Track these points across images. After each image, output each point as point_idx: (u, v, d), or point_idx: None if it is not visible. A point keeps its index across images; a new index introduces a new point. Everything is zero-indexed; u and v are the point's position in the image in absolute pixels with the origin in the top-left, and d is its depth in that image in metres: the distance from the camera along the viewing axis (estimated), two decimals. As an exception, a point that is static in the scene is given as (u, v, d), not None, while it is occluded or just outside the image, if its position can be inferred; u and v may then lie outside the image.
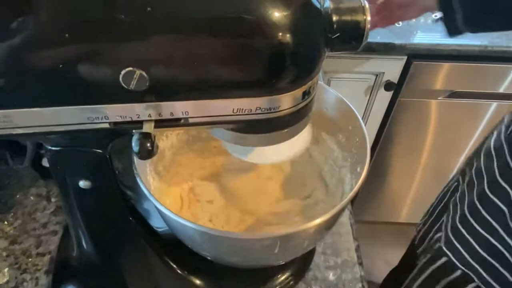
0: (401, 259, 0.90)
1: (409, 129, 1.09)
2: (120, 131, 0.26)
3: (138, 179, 0.31)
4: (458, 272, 0.51)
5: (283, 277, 0.44)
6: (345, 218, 0.52)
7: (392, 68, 0.93)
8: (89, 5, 0.20)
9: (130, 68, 0.22)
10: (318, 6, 0.25)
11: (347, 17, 0.25)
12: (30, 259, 0.46)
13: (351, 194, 0.31)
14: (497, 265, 0.46)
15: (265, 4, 0.23)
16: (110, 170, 0.31)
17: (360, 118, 0.37)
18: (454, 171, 1.21)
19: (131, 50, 0.22)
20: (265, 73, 0.24)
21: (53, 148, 0.28)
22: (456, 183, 0.61)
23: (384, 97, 1.00)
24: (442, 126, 1.07)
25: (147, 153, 0.24)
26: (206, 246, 0.31)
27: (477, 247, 0.48)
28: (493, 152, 0.49)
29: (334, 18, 0.25)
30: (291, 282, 0.44)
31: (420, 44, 0.88)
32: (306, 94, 0.27)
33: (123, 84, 0.22)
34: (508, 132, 0.47)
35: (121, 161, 0.38)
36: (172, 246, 0.40)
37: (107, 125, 0.25)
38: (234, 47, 0.23)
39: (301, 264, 0.46)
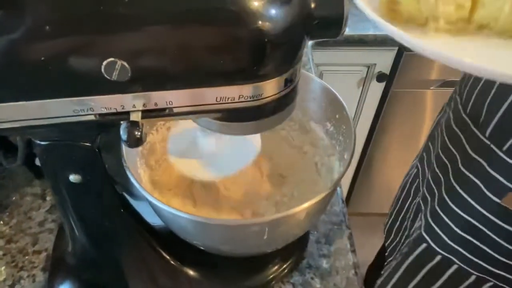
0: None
1: (403, 119, 1.10)
2: (107, 123, 0.26)
3: (127, 171, 0.31)
4: (438, 257, 0.51)
5: (277, 266, 0.45)
6: (338, 207, 0.53)
7: (383, 59, 0.94)
8: (68, -2, 0.21)
9: (112, 59, 0.22)
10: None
11: (326, 4, 0.26)
12: (26, 257, 0.47)
13: (337, 179, 0.31)
14: (474, 241, 0.47)
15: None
16: (100, 164, 0.31)
17: (345, 105, 0.38)
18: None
19: (111, 41, 0.22)
20: (246, 61, 0.25)
21: (42, 143, 0.29)
22: (416, 170, 0.62)
23: (377, 89, 1.01)
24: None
25: (135, 141, 0.24)
26: (196, 234, 0.32)
27: (454, 227, 0.48)
28: (457, 131, 0.49)
29: (313, 5, 0.26)
30: (285, 271, 0.45)
31: (410, 34, 0.88)
32: (288, 81, 0.27)
33: (105, 75, 0.23)
34: (468, 108, 0.47)
35: (112, 158, 0.38)
36: (166, 239, 0.40)
37: (93, 117, 0.25)
38: (213, 36, 0.23)
39: (295, 254, 0.47)
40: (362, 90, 1.02)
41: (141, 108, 0.25)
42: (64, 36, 0.21)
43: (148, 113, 0.25)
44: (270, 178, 0.47)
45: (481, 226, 0.46)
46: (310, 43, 0.86)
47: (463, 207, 0.47)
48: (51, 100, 0.24)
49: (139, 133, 0.24)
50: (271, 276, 0.44)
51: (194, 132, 0.38)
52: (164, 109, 0.26)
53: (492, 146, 0.42)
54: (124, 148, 0.34)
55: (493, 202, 0.43)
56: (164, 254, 0.40)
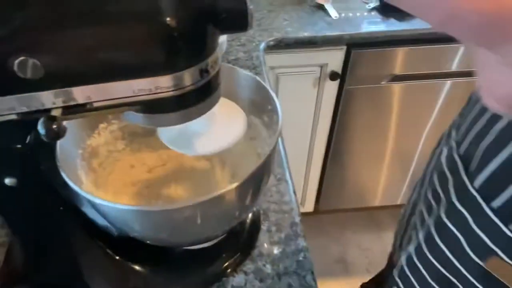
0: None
1: (361, 114, 1.15)
2: (30, 122, 0.28)
3: (60, 170, 0.32)
4: None
5: (229, 257, 0.46)
6: (288, 197, 0.55)
7: (334, 58, 0.99)
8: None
9: (23, 58, 0.24)
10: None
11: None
12: (-23, 273, 0.46)
13: (265, 158, 0.34)
14: None
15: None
16: (34, 165, 0.32)
17: (273, 95, 0.41)
18: (417, 153, 1.26)
19: (20, 39, 0.24)
20: (155, 55, 0.27)
21: (-29, 148, 0.30)
22: (416, 195, 0.57)
23: (331, 87, 1.05)
24: (392, 109, 1.13)
25: (53, 135, 0.26)
26: (131, 225, 0.33)
27: (429, 279, 0.44)
28: (446, 171, 0.44)
29: (217, 0, 0.28)
30: (238, 261, 0.47)
31: (356, 33, 0.94)
32: (204, 72, 0.29)
33: (19, 74, 0.24)
34: (461, 149, 0.42)
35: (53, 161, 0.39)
36: (116, 239, 0.41)
37: (15, 117, 0.27)
38: (122, 33, 0.25)
39: (247, 243, 0.48)
40: (318, 89, 1.06)
41: (61, 104, 0.27)
42: (-28, 38, 0.23)
43: (68, 109, 0.27)
44: (222, 174, 0.49)
45: (457, 283, 0.41)
46: (262, 46, 0.89)
47: (440, 260, 0.43)
48: (-31, 102, 0.25)
49: (56, 127, 0.25)
50: (224, 266, 0.46)
51: None
52: (84, 105, 0.27)
53: (479, 199, 0.37)
54: (60, 148, 0.35)
55: (474, 262, 0.38)
56: (112, 253, 0.41)
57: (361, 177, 1.39)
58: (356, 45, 0.96)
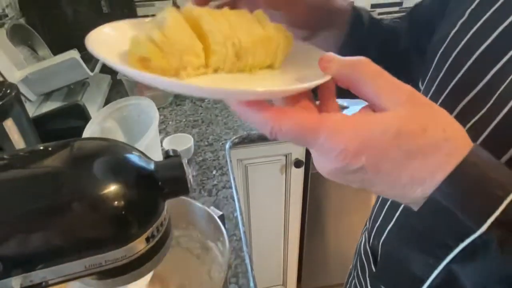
0: None
1: (331, 193, 1.20)
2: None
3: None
4: None
5: None
6: (253, 309, 0.57)
7: (296, 148, 1.06)
8: None
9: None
10: (143, 173, 0.33)
11: (169, 174, 0.34)
12: None
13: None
14: None
15: (99, 185, 0.31)
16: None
17: (222, 228, 0.45)
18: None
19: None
20: (107, 236, 0.31)
21: None
22: (354, 281, 0.60)
23: (298, 172, 1.12)
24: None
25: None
26: None
27: None
28: (364, 260, 0.49)
29: (158, 176, 0.34)
30: None
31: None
32: (150, 238, 0.34)
33: (-20, 272, 0.28)
34: (371, 241, 0.47)
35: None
36: None
37: (-26, 303, 0.30)
38: (70, 220, 0.30)
39: None
40: (286, 175, 1.13)
41: (19, 286, 0.30)
42: None
43: (26, 289, 0.30)
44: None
45: None
46: (227, 146, 0.96)
47: None
48: None
49: (12, 315, 0.28)
50: None
51: None
52: (40, 284, 0.31)
53: None
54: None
55: None
56: None
57: (342, 251, 1.40)
58: (315, 135, 1.05)
